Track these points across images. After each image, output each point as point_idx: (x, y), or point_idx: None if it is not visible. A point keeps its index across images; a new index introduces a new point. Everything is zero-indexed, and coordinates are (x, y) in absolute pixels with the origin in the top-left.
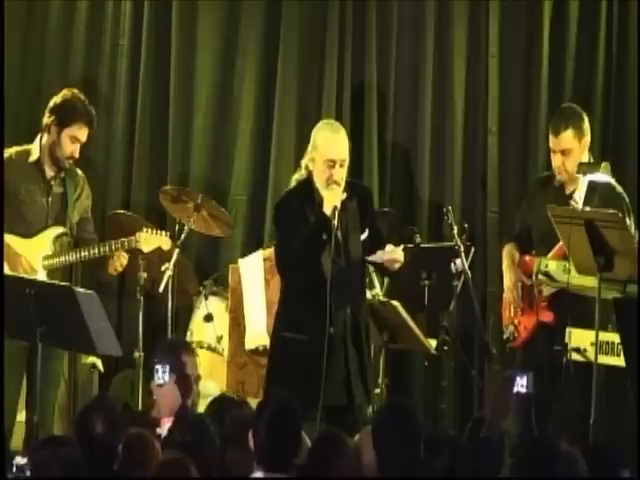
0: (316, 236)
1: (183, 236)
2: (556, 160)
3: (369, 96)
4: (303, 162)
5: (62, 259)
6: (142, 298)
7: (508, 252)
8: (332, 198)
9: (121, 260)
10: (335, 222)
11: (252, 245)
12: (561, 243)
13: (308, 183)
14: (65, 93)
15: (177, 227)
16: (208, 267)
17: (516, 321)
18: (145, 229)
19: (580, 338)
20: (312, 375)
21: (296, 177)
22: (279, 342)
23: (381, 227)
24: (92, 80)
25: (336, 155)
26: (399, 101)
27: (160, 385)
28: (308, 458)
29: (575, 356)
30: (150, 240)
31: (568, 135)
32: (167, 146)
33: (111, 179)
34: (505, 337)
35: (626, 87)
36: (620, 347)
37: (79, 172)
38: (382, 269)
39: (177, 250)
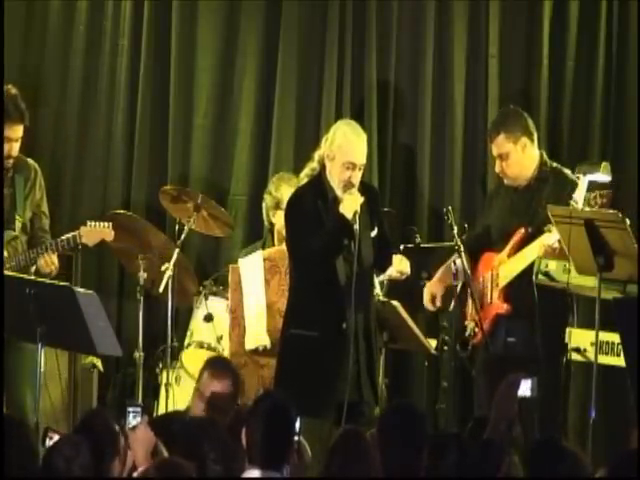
0: (338, 240)
1: (183, 236)
2: (497, 166)
3: (369, 96)
4: (317, 154)
5: (14, 263)
6: (142, 298)
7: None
8: (353, 203)
9: (46, 260)
10: (357, 227)
11: (251, 243)
12: (513, 242)
13: (320, 178)
14: None
15: (177, 227)
16: (208, 267)
17: (477, 317)
18: (88, 223)
19: (580, 338)
20: (325, 372)
21: (307, 172)
22: (290, 339)
23: (386, 228)
24: (92, 80)
25: (357, 159)
26: (399, 101)
27: (132, 428)
28: (329, 455)
29: (575, 356)
30: (93, 233)
31: (501, 140)
32: (167, 146)
33: (111, 179)
34: (467, 334)
35: (626, 87)
36: (620, 347)
37: (30, 163)
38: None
39: (177, 250)
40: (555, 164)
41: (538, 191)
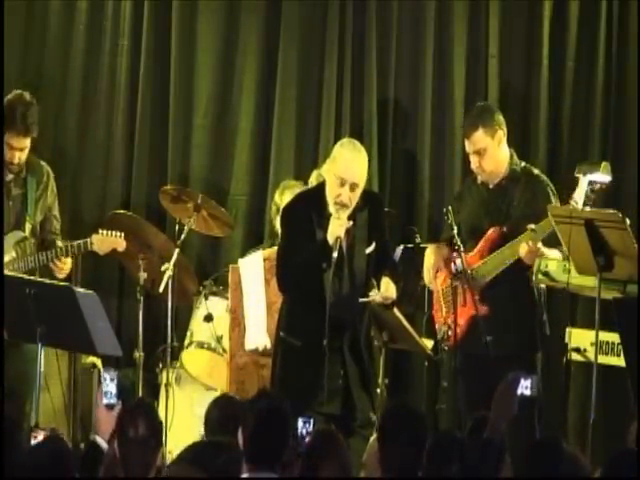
0: (316, 262)
1: (183, 236)
2: (473, 162)
3: (369, 96)
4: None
5: (22, 264)
6: (142, 298)
7: (435, 247)
8: (336, 228)
9: (61, 267)
10: (335, 253)
11: (252, 245)
12: (485, 242)
13: (320, 189)
14: (13, 95)
15: (177, 227)
16: (208, 267)
17: (449, 320)
18: (100, 231)
19: (580, 338)
20: (307, 380)
21: (315, 176)
22: (279, 342)
23: (388, 238)
24: (92, 80)
25: (347, 175)
26: (399, 101)
27: (110, 406)
28: (303, 455)
29: (575, 356)
30: (105, 242)
31: (479, 135)
32: (167, 146)
33: (111, 179)
34: (439, 337)
35: (626, 87)
36: (620, 347)
37: (44, 166)
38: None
39: (177, 250)
40: (524, 164)
41: (509, 190)
